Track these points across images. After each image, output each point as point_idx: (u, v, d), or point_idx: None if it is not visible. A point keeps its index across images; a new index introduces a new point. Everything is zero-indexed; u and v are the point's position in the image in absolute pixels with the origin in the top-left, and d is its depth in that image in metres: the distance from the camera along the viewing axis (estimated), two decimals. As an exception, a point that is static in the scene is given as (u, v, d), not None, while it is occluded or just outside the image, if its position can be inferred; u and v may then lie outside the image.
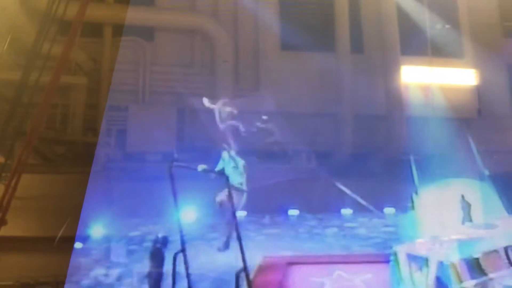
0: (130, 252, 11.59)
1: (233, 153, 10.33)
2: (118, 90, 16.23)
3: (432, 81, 16.45)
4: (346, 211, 13.93)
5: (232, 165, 10.14)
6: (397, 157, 15.45)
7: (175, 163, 8.51)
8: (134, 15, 16.25)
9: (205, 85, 16.63)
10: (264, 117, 12.53)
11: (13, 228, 12.08)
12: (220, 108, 12.71)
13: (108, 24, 16.32)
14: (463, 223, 10.82)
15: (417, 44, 16.42)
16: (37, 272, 11.38)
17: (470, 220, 10.91)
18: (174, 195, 8.32)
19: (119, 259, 11.38)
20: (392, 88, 16.51)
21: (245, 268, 8.02)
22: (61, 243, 11.70)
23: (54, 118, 15.53)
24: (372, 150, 15.98)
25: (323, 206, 13.19)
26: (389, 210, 13.82)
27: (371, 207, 13.56)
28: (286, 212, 14.00)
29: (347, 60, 16.82)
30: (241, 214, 11.79)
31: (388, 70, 16.70)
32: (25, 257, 11.73)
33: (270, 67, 16.98)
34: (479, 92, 17.15)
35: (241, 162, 10.33)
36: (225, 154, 10.37)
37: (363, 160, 15.25)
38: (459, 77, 17.25)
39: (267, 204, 13.40)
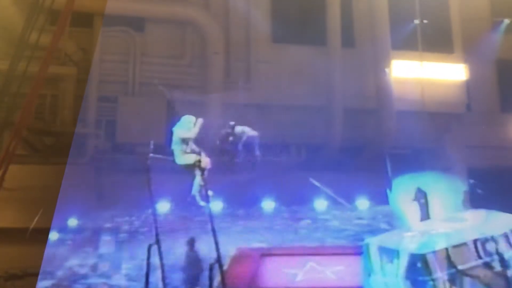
0: (106, 243, 11.69)
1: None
2: (108, 81, 16.18)
3: (422, 76, 16.53)
4: (320, 204, 13.93)
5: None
6: (386, 151, 15.60)
7: (151, 155, 8.50)
8: (124, 5, 16.14)
9: (195, 77, 16.62)
10: (232, 123, 12.57)
11: (1, 220, 12.03)
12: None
13: (98, 14, 16.16)
14: (421, 220, 10.98)
15: (407, 39, 16.50)
16: (26, 263, 11.35)
17: (428, 217, 11.05)
18: (149, 186, 8.37)
19: (108, 250, 11.44)
20: (382, 82, 16.56)
21: (219, 259, 8.09)
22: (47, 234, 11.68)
23: (43, 109, 15.43)
24: (361, 144, 16.06)
25: (297, 198, 13.23)
26: (362, 203, 13.85)
27: (342, 201, 13.65)
28: (261, 204, 13.97)
29: (338, 54, 16.84)
30: (217, 206, 11.90)
31: (379, 64, 16.74)
32: (13, 248, 11.69)
33: (261, 60, 16.94)
34: (468, 87, 17.28)
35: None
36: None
37: (353, 154, 15.31)
38: (449, 72, 17.35)
39: (242, 196, 13.42)
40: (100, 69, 16.01)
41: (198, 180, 9.01)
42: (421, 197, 11.47)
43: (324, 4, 17.01)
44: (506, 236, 8.21)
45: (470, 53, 17.02)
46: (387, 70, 16.53)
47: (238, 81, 16.52)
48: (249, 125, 13.93)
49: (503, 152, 15.66)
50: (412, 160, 13.78)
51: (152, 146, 8.54)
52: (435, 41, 16.69)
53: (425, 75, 16.55)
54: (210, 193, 8.80)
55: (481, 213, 9.39)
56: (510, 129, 16.56)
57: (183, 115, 9.72)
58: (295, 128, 15.91)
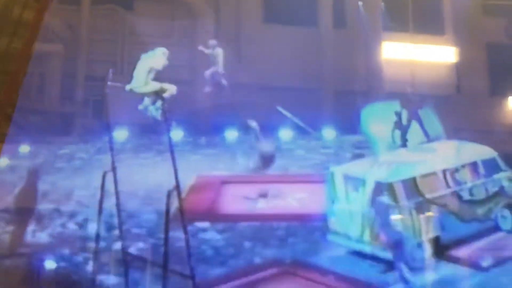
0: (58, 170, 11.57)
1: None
2: (96, 59, 16.00)
3: (412, 57, 16.50)
4: (285, 133, 13.66)
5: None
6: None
7: (109, 83, 8.46)
8: (113, -18, 15.92)
9: (184, 56, 16.45)
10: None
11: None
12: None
13: (86, -9, 15.92)
14: (398, 143, 10.66)
15: (398, 20, 16.42)
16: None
17: (405, 141, 10.69)
18: (107, 114, 8.35)
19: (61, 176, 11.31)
20: (372, 64, 16.51)
21: (177, 186, 7.97)
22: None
23: (30, 87, 15.24)
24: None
25: (262, 128, 12.96)
26: (328, 133, 13.61)
27: (309, 129, 13.48)
28: (223, 133, 13.64)
29: (329, 35, 16.74)
30: (177, 134, 11.67)
31: (369, 46, 16.66)
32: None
33: (252, 40, 16.80)
34: (458, 69, 17.28)
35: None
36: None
37: None
38: (439, 54, 17.33)
39: (204, 125, 13.23)
40: (88, 47, 15.83)
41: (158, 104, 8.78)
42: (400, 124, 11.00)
43: (316, -16, 16.85)
44: (475, 165, 8.19)
45: (460, 36, 16.98)
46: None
47: (228, 61, 16.38)
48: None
49: (491, 135, 15.72)
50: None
51: (110, 74, 8.49)
52: (426, 22, 16.64)
53: (416, 56, 16.53)
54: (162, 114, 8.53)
55: (453, 143, 9.30)
56: (499, 112, 16.62)
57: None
58: (285, 109, 15.83)
